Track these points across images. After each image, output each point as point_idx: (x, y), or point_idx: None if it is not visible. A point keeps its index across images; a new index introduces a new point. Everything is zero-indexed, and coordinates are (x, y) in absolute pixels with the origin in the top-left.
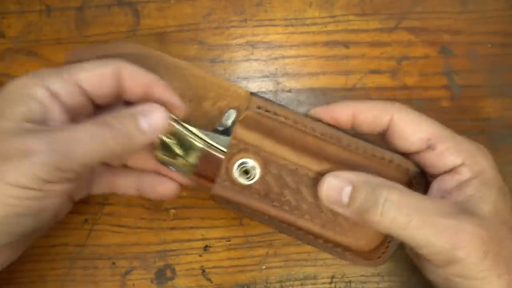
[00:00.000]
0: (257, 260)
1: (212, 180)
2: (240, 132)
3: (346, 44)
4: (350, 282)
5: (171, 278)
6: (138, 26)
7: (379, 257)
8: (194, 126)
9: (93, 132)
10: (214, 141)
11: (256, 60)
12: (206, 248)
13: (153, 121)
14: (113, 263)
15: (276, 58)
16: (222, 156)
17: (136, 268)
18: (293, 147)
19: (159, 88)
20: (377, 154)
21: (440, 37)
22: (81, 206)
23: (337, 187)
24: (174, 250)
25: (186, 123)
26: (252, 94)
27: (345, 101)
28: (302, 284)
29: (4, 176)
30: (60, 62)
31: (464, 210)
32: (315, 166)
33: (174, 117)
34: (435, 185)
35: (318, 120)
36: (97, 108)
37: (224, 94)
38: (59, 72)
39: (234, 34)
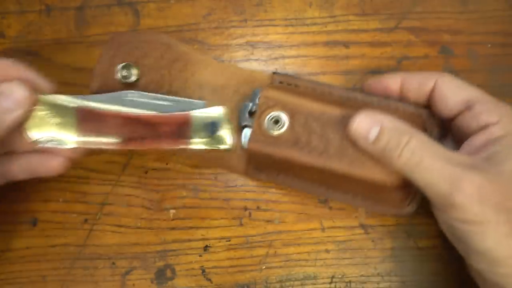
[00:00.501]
0: (257, 260)
1: (97, 141)
2: (268, 91)
3: (346, 44)
4: (350, 282)
5: (171, 278)
6: (138, 26)
7: (408, 205)
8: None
9: None
10: (89, 101)
11: (256, 60)
12: (206, 248)
13: (15, 97)
14: (113, 263)
15: (276, 58)
16: (99, 114)
17: (136, 268)
18: (314, 100)
19: (15, 69)
20: (392, 105)
21: (440, 37)
22: (81, 206)
23: (367, 125)
24: (174, 250)
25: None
26: (274, 73)
27: (394, 72)
28: (302, 284)
29: None
30: (60, 62)
31: (481, 165)
32: (338, 111)
33: (39, 92)
34: (466, 144)
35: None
36: None
37: (246, 80)
38: None
39: (234, 34)
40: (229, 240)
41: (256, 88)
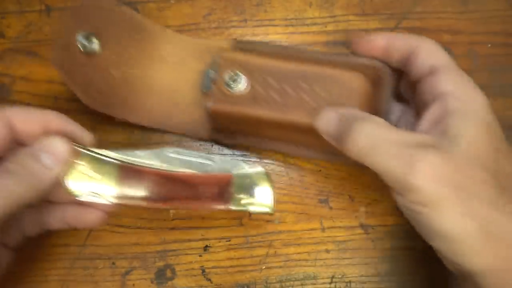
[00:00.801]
0: (257, 260)
1: (137, 197)
2: (226, 53)
3: (346, 44)
4: (350, 282)
5: (171, 278)
6: None
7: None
8: (107, 150)
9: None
10: (130, 157)
11: None
12: (206, 248)
13: (55, 154)
14: (113, 263)
15: None
16: (139, 172)
17: (136, 268)
18: (271, 58)
19: (57, 122)
20: (343, 59)
21: (440, 37)
22: None
23: (326, 118)
24: (174, 250)
25: (97, 149)
26: (233, 39)
27: (381, 32)
28: (302, 284)
29: None
30: None
31: (436, 142)
32: (293, 66)
33: (80, 146)
34: (425, 115)
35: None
36: None
37: (208, 49)
38: None
39: (234, 34)
40: (229, 240)
41: (216, 56)
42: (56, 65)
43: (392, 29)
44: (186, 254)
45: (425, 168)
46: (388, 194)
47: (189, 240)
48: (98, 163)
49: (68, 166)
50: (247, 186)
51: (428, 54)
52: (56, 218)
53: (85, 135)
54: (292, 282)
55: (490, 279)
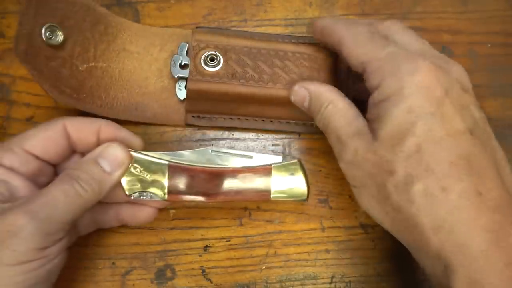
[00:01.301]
0: (257, 260)
1: (186, 194)
2: (199, 34)
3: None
4: (350, 282)
5: (171, 278)
6: None
7: None
8: (153, 151)
9: (64, 191)
10: (177, 157)
11: None
12: (206, 248)
13: (114, 159)
14: (113, 263)
15: None
16: (187, 171)
17: (136, 268)
18: (242, 38)
19: (109, 129)
20: (305, 40)
21: (440, 37)
22: None
23: (301, 93)
24: (174, 250)
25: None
26: (197, 27)
27: (321, 18)
28: (302, 284)
29: (2, 260)
30: None
31: (365, 131)
32: (264, 45)
33: (132, 150)
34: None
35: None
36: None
37: (170, 38)
38: (8, 146)
39: None
40: (229, 240)
41: (181, 43)
42: (21, 59)
43: None
44: (186, 254)
45: (349, 153)
46: None
47: (189, 240)
48: (150, 164)
49: (125, 169)
50: (284, 176)
51: (357, 50)
52: (111, 217)
53: (135, 140)
54: (292, 282)
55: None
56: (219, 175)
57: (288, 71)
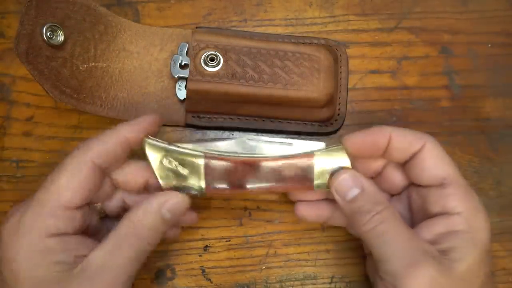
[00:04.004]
0: (257, 260)
1: (225, 185)
2: (199, 35)
3: (346, 44)
4: (350, 282)
5: (171, 278)
6: None
7: (331, 124)
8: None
9: (130, 255)
10: (212, 148)
11: None
12: (206, 248)
13: (174, 207)
14: None
15: None
16: (225, 162)
17: None
18: (242, 38)
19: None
20: (305, 40)
21: (440, 37)
22: None
23: (349, 184)
24: (174, 250)
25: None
26: (197, 27)
27: (383, 126)
28: (302, 284)
29: None
30: None
31: (438, 257)
32: (264, 45)
33: (166, 142)
34: (426, 224)
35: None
36: None
37: (170, 38)
38: (45, 208)
39: None
40: (229, 240)
41: (181, 43)
42: (22, 59)
43: (392, 29)
44: (186, 254)
45: (423, 277)
46: None
47: (189, 240)
48: (185, 157)
49: (163, 163)
50: (328, 164)
51: (436, 163)
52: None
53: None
54: (292, 282)
55: None
56: (257, 165)
57: (288, 71)
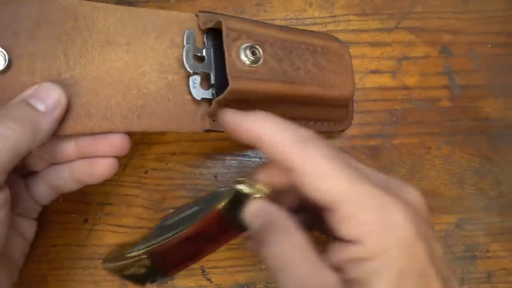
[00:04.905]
0: (257, 260)
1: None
2: (229, 21)
3: (346, 44)
4: None
5: (171, 278)
6: None
7: (344, 122)
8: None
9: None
10: (152, 242)
11: None
12: None
13: (48, 98)
14: None
15: None
16: (166, 247)
17: None
18: (272, 28)
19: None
20: (316, 34)
21: (441, 37)
22: (81, 206)
23: (255, 216)
24: None
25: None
26: (200, 11)
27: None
28: None
29: None
30: None
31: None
32: (291, 36)
33: (107, 259)
34: (333, 251)
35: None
36: None
37: (167, 23)
38: None
39: None
40: None
41: (186, 29)
42: None
43: (392, 29)
44: None
45: None
46: None
47: None
48: (134, 263)
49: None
50: (236, 206)
51: (322, 182)
52: (66, 178)
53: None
54: None
55: None
56: (185, 240)
57: (321, 68)
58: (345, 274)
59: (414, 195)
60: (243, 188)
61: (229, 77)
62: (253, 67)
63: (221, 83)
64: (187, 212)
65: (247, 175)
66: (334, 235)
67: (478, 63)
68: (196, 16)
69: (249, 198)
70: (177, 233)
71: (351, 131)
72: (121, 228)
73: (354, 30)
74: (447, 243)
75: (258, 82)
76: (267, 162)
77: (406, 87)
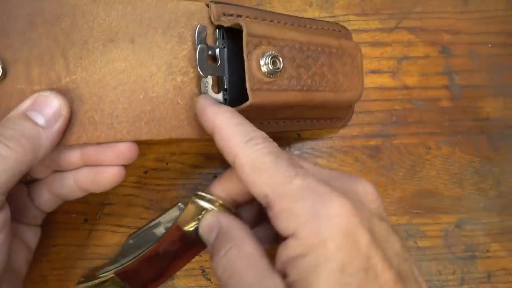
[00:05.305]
0: None
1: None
2: (250, 26)
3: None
4: None
5: (171, 278)
6: None
7: (343, 118)
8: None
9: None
10: (117, 264)
11: None
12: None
13: (48, 109)
14: None
15: None
16: (132, 267)
17: None
18: (289, 29)
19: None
20: (322, 25)
21: (441, 37)
22: (81, 206)
23: (210, 228)
24: None
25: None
26: (209, 4)
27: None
28: None
29: None
30: None
31: None
32: (313, 38)
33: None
34: (277, 254)
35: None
36: None
37: (174, 16)
38: None
39: None
40: None
41: (198, 25)
42: None
43: (392, 29)
44: None
45: None
46: (387, 193)
47: None
48: (104, 285)
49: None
50: (196, 216)
51: (255, 177)
52: (71, 187)
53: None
54: None
55: None
56: (149, 259)
57: (335, 73)
58: (288, 277)
59: (362, 186)
60: (201, 202)
61: (248, 91)
62: (272, 77)
63: (235, 86)
64: (151, 230)
65: (205, 188)
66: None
67: (478, 63)
68: (207, 6)
69: (206, 212)
70: (141, 253)
71: (351, 131)
72: (121, 228)
73: (354, 30)
74: (447, 243)
75: (276, 93)
76: (222, 174)
77: (406, 87)
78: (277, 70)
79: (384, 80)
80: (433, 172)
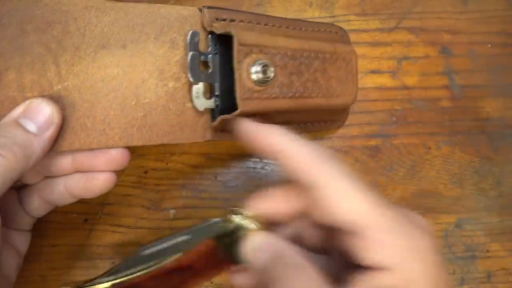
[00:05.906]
0: None
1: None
2: (241, 34)
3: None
4: None
5: None
6: None
7: (339, 119)
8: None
9: None
10: (119, 275)
11: None
12: None
13: (40, 117)
14: (113, 263)
15: None
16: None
17: None
18: (282, 35)
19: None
20: (319, 27)
21: (440, 37)
22: (81, 206)
23: (260, 251)
24: None
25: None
26: (202, 8)
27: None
28: None
29: None
30: None
31: None
32: (305, 45)
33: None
34: (356, 281)
35: (267, 15)
36: None
37: (166, 22)
38: None
39: None
40: None
41: (190, 30)
42: None
43: (392, 29)
44: None
45: None
46: (387, 193)
47: None
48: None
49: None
50: (232, 236)
51: (344, 200)
52: (61, 193)
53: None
54: None
55: None
56: (166, 273)
57: (328, 78)
58: None
59: (425, 223)
60: (238, 219)
61: (238, 100)
62: (263, 86)
63: (227, 93)
64: (171, 242)
65: (240, 205)
66: (354, 263)
67: (478, 63)
68: (200, 11)
69: (245, 230)
70: (154, 265)
71: (351, 131)
72: (121, 228)
73: (354, 30)
74: (447, 243)
75: (266, 101)
76: (259, 193)
77: (406, 87)
78: (268, 79)
79: (384, 80)
80: (433, 172)
